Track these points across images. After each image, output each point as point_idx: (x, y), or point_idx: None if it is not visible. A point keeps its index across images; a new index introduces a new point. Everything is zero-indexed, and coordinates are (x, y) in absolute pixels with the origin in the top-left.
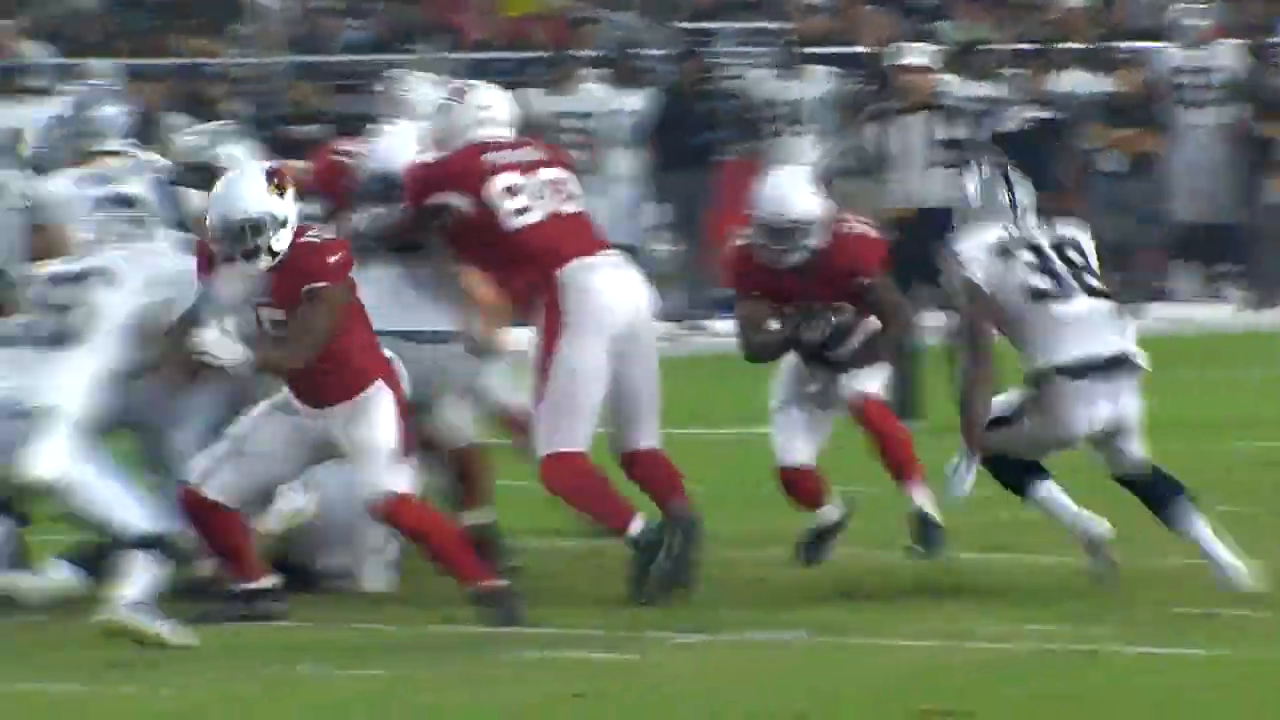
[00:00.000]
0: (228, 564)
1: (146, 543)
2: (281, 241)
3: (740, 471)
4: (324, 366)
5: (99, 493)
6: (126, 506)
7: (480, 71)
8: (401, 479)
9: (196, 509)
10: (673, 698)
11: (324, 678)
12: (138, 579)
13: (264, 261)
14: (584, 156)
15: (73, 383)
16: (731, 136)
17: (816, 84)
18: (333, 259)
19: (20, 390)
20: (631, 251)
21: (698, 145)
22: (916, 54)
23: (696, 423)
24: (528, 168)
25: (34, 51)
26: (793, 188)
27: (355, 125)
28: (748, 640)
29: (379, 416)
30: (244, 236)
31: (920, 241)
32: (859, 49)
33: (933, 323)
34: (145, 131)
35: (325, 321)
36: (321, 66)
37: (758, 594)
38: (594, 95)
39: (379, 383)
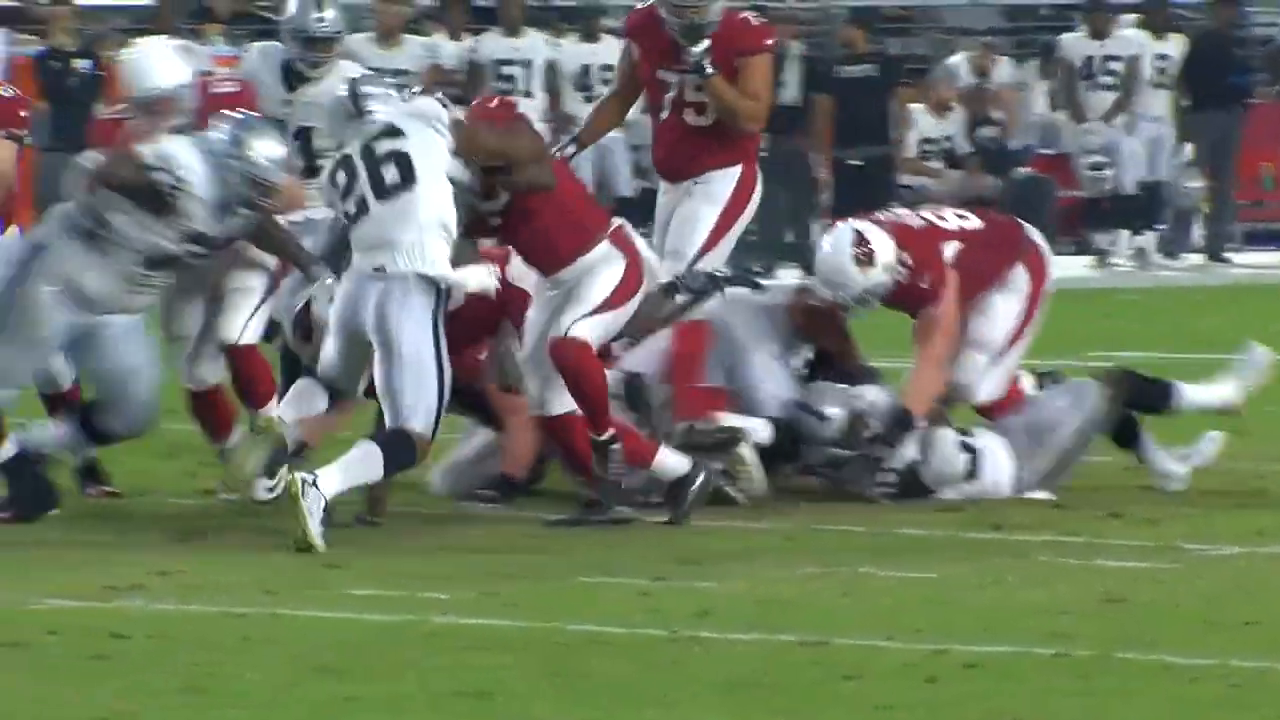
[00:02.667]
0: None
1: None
2: None
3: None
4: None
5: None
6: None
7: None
8: (591, 332)
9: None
10: (1209, 603)
11: (881, 578)
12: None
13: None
14: (1118, 96)
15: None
16: (1262, 79)
17: None
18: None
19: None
20: (1158, 189)
21: (1228, 87)
22: None
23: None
24: None
25: None
26: None
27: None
28: None
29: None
30: None
31: None
32: None
33: None
34: None
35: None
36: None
37: None
38: (1131, 39)
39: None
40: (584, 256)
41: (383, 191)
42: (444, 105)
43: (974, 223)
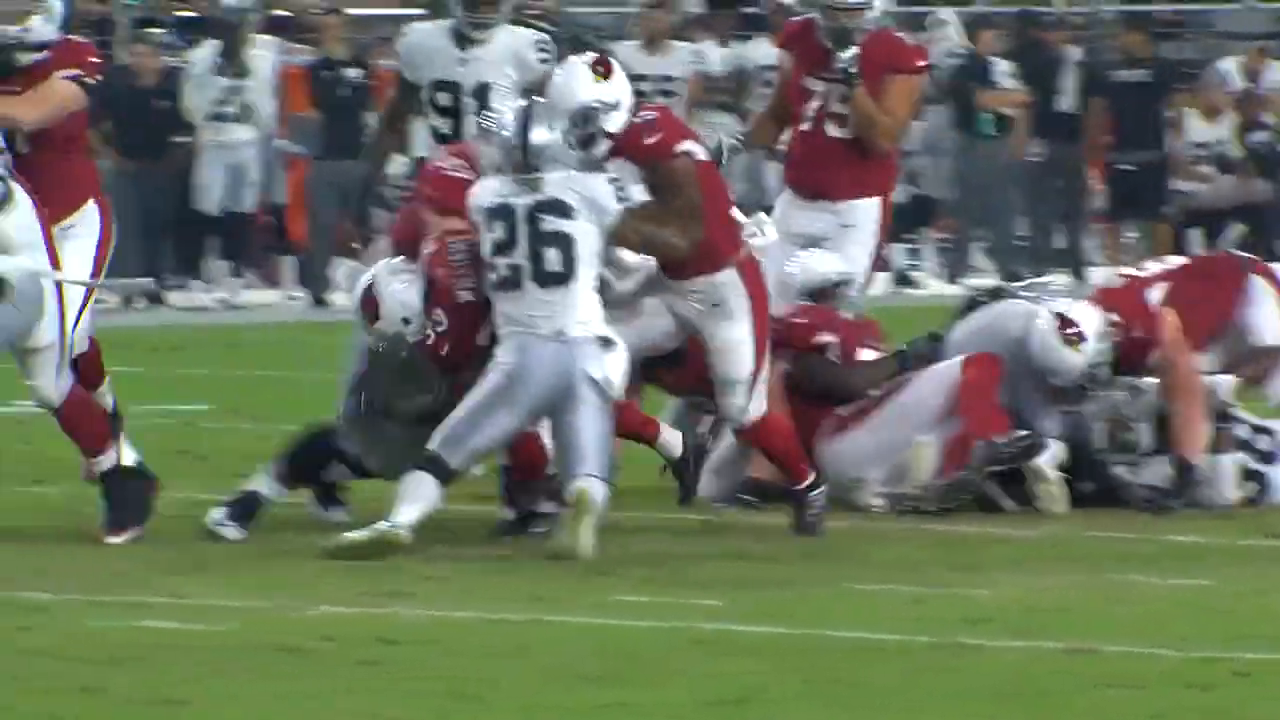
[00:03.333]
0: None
1: None
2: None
3: None
4: None
5: None
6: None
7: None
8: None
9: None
10: None
11: (1151, 585)
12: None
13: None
14: None
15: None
16: None
17: None
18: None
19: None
20: None
21: None
22: None
23: None
24: None
25: None
26: None
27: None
28: None
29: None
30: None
31: None
32: None
33: None
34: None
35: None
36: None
37: None
38: None
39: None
40: (708, 277)
41: (543, 278)
42: (619, 191)
43: (1174, 262)
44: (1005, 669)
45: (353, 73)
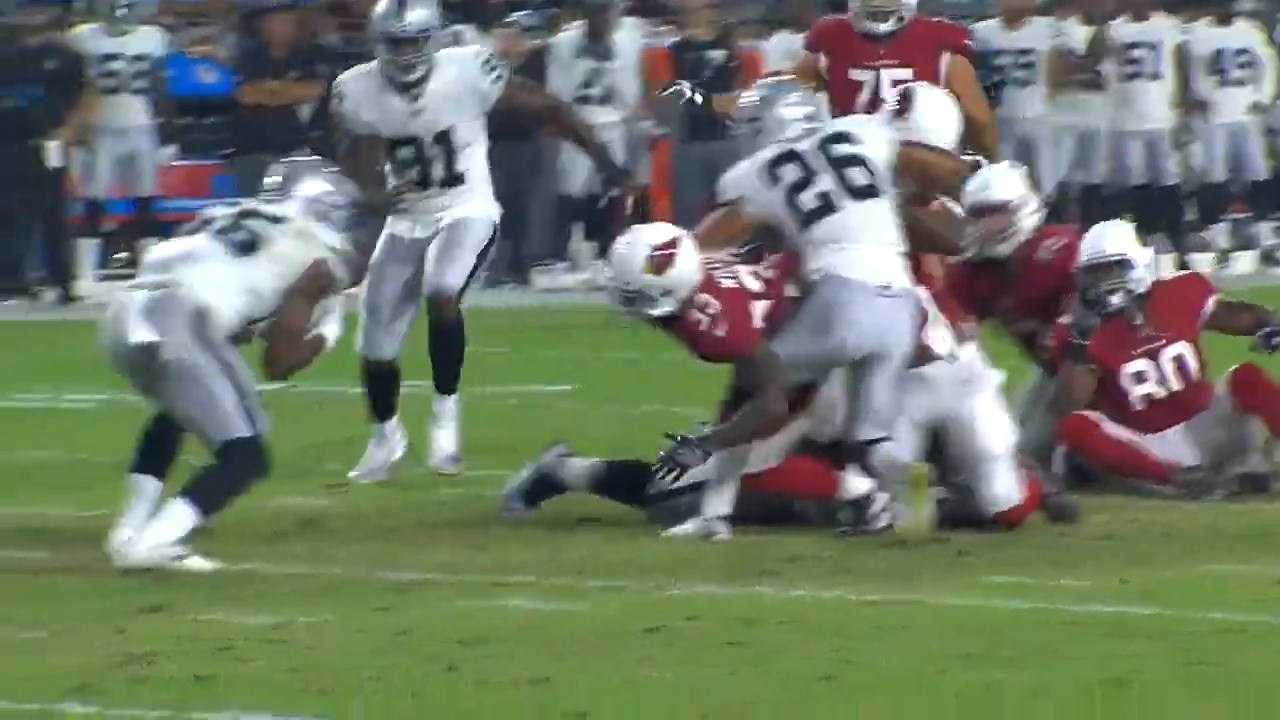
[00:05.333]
0: None
1: None
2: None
3: None
4: None
5: None
6: None
7: None
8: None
9: None
10: None
11: None
12: None
13: None
14: None
15: None
16: None
17: None
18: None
19: None
20: None
21: None
22: None
23: None
24: None
25: None
26: None
27: None
28: None
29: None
30: None
31: None
32: None
33: None
34: None
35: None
36: None
37: None
38: None
39: None
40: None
41: (854, 192)
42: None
43: None
44: None
45: (716, 54)
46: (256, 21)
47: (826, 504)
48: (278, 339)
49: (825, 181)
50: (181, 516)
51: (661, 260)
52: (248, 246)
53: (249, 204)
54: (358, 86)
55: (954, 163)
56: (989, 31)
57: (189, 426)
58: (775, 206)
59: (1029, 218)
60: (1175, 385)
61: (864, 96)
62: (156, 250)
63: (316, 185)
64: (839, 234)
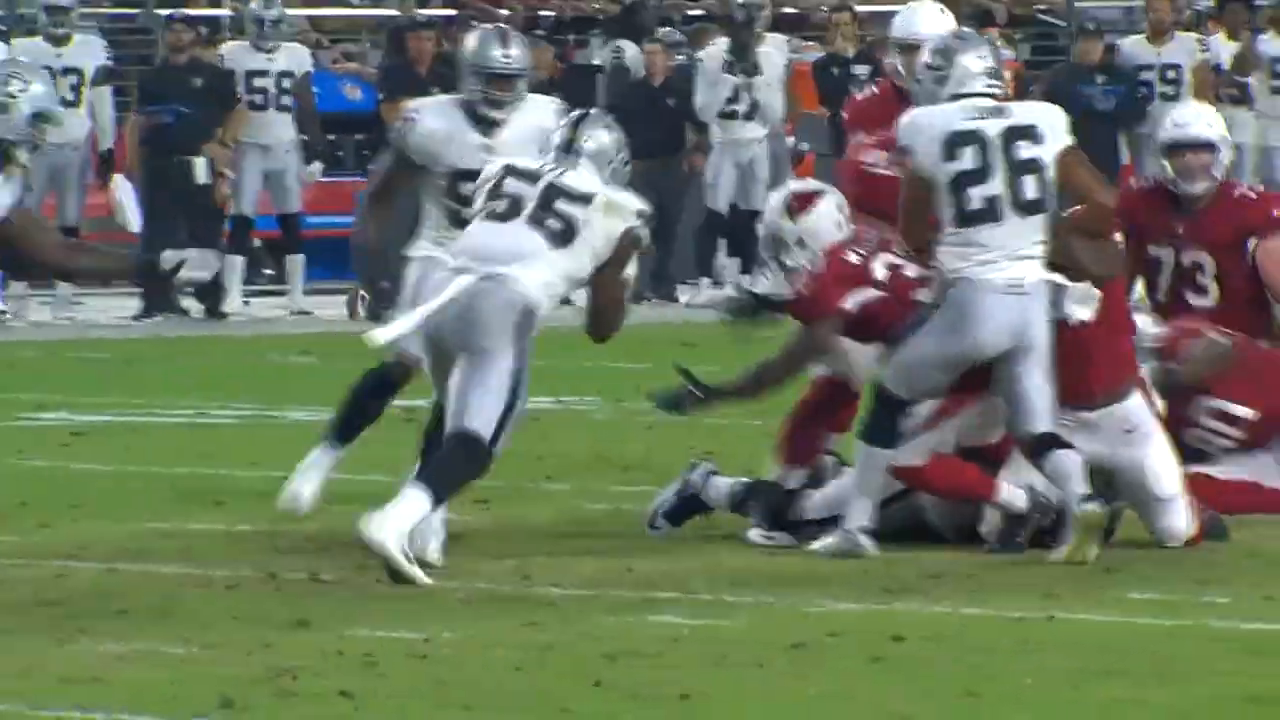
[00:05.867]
0: None
1: None
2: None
3: None
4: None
5: None
6: None
7: None
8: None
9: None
10: None
11: None
12: None
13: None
14: None
15: None
16: None
17: None
18: None
19: None
20: None
21: None
22: None
23: None
24: None
25: None
26: None
27: None
28: None
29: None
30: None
31: None
32: None
33: None
34: None
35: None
36: None
37: None
38: None
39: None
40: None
41: (1021, 206)
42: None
43: None
44: None
45: (860, 69)
46: (401, 38)
47: (971, 510)
48: (609, 312)
49: (996, 185)
50: (418, 502)
51: (798, 206)
52: (565, 236)
53: (547, 177)
54: (434, 115)
55: (1109, 200)
56: (1135, 47)
57: (457, 399)
58: (938, 180)
59: (1224, 159)
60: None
61: None
62: (478, 235)
63: (599, 137)
64: (988, 244)
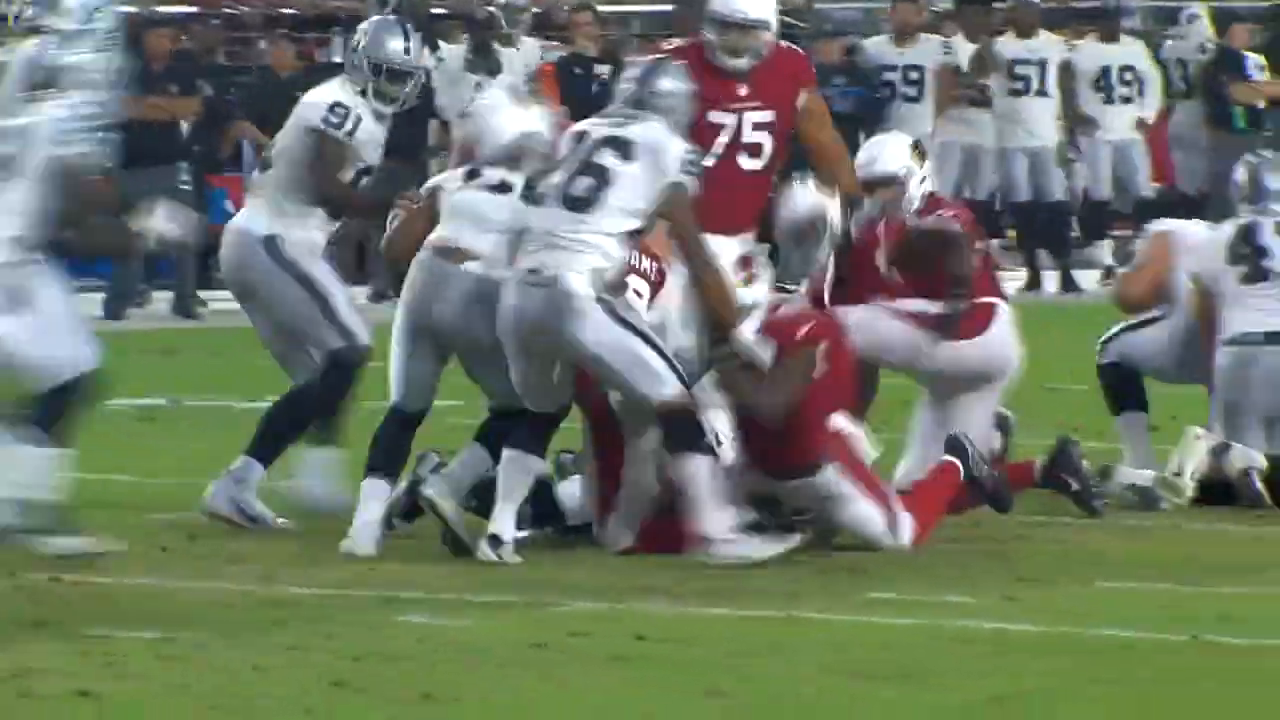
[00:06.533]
0: None
1: None
2: None
3: None
4: None
5: None
6: None
7: None
8: None
9: None
10: None
11: None
12: None
13: None
14: None
15: None
16: None
17: None
18: None
19: None
20: None
21: None
22: None
23: None
24: None
25: None
26: None
27: None
28: None
29: None
30: None
31: None
32: None
33: None
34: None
35: None
36: None
37: None
38: None
39: None
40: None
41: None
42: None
43: None
44: (1262, 667)
45: (602, 69)
46: (139, 36)
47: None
48: (722, 307)
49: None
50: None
51: None
52: (587, 203)
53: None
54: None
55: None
56: (878, 48)
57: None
58: None
59: (919, 186)
60: None
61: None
62: (539, 218)
63: (667, 82)
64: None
